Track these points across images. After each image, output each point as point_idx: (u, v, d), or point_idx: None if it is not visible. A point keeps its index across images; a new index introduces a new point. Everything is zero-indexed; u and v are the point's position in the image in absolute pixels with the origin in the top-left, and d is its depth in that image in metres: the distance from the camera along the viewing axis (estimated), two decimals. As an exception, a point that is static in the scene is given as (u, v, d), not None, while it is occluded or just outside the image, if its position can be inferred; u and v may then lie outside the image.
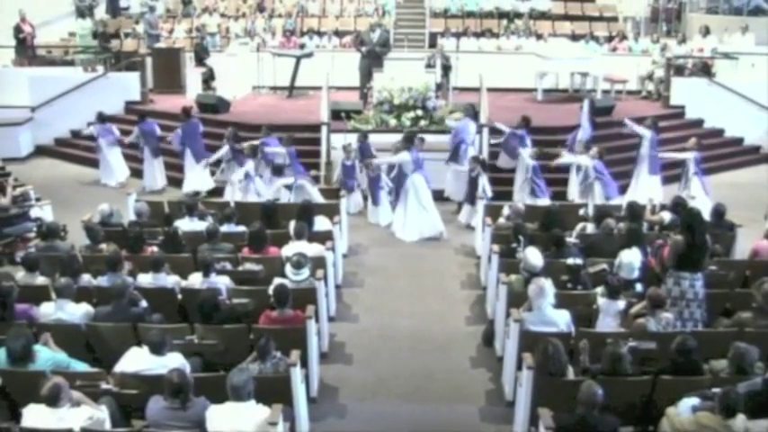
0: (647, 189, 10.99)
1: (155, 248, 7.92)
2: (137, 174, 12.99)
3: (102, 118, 13.04)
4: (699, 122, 14.73)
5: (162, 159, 12.77)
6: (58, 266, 7.12)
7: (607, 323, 6.55)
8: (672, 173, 11.51)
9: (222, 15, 19.41)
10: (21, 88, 15.05)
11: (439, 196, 11.27)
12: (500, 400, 6.66)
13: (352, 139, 11.65)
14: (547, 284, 6.32)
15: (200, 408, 5.03)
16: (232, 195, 10.91)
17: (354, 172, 11.33)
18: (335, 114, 12.62)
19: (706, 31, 16.93)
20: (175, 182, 12.64)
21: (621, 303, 6.57)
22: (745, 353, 5.38)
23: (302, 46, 17.20)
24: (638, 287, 6.91)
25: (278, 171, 10.75)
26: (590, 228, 8.48)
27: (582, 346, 5.85)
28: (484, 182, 10.45)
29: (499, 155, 11.87)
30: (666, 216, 8.46)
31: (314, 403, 6.51)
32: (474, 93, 13.11)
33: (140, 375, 5.48)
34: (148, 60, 15.70)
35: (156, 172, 12.69)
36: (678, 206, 8.60)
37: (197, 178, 12.19)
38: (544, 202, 10.38)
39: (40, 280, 7.10)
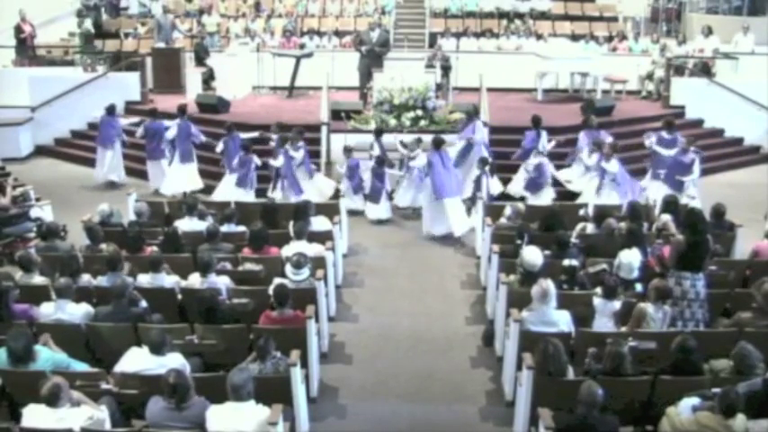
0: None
1: (154, 248, 7.92)
2: (135, 174, 12.96)
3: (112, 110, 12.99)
4: (699, 122, 14.73)
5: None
6: (57, 266, 7.11)
7: (603, 323, 6.55)
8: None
9: (222, 15, 19.41)
10: (21, 88, 15.06)
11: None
12: (500, 400, 6.66)
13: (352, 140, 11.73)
14: (551, 288, 6.31)
15: (200, 408, 5.03)
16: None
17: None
18: (335, 114, 12.62)
19: (708, 32, 16.93)
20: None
21: (617, 304, 6.57)
22: (748, 355, 5.37)
23: (302, 46, 17.20)
24: (638, 287, 6.91)
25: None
26: (590, 228, 8.48)
27: (590, 352, 5.85)
28: (488, 183, 10.56)
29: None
30: (664, 218, 8.44)
31: (314, 403, 6.50)
32: (474, 93, 13.12)
33: (140, 375, 5.48)
34: (148, 60, 15.71)
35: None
36: (670, 204, 8.60)
37: (178, 179, 12.07)
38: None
39: (39, 279, 7.09)
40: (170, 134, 11.91)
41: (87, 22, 17.52)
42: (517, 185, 11.45)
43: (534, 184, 11.07)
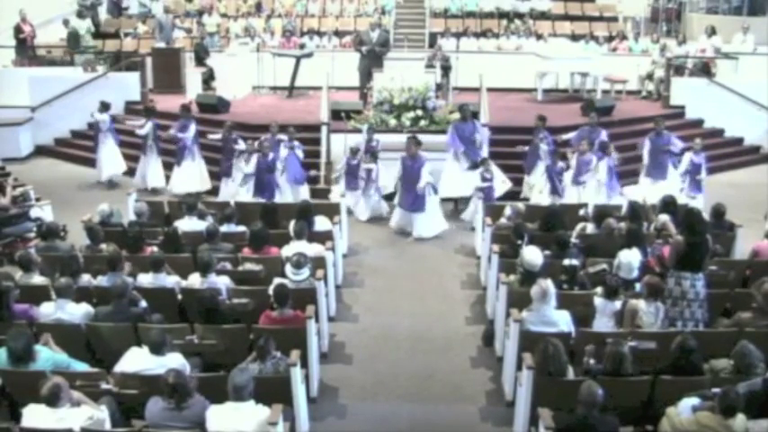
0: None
1: (155, 248, 7.92)
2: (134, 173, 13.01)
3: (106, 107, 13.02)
4: (699, 122, 14.74)
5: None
6: (57, 266, 7.11)
7: (603, 323, 6.56)
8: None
9: (222, 15, 19.41)
10: (21, 88, 15.06)
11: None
12: (500, 400, 6.66)
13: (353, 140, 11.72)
14: (550, 288, 6.31)
15: (200, 408, 5.03)
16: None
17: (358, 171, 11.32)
18: (335, 114, 12.62)
19: (712, 32, 16.90)
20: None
21: (618, 303, 6.58)
22: (748, 354, 5.38)
23: (302, 46, 17.20)
24: (638, 287, 6.90)
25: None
26: (590, 228, 8.48)
27: (588, 350, 5.85)
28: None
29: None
30: (663, 218, 8.43)
31: (314, 403, 6.51)
32: (474, 93, 13.12)
33: (140, 375, 5.48)
34: (148, 60, 15.71)
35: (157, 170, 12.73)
36: (668, 204, 8.60)
37: (191, 177, 12.16)
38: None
39: (38, 279, 7.09)
40: (190, 133, 11.96)
41: (74, 21, 17.45)
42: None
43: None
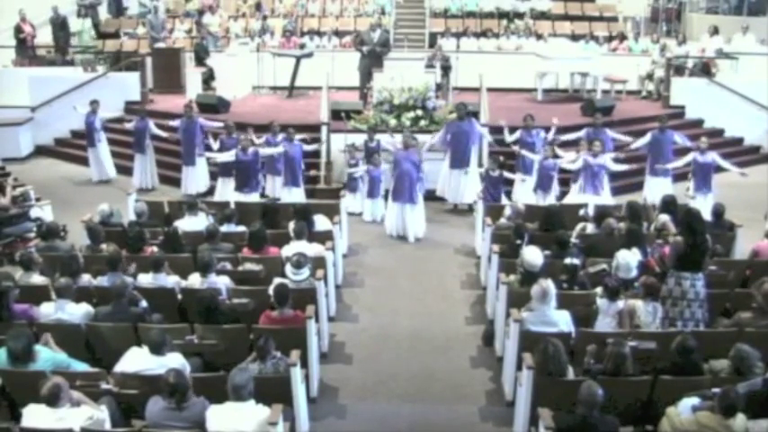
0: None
1: (155, 248, 7.92)
2: (126, 171, 13.06)
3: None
4: (699, 122, 14.74)
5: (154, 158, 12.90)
6: (57, 266, 7.11)
7: (606, 323, 6.56)
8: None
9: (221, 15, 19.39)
10: (21, 88, 15.06)
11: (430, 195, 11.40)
12: (500, 400, 6.66)
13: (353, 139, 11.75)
14: (551, 288, 6.31)
15: (200, 408, 5.03)
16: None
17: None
18: (335, 114, 12.63)
19: (714, 31, 16.88)
20: (170, 181, 12.77)
21: (621, 303, 6.58)
22: (746, 357, 5.37)
23: (302, 46, 17.19)
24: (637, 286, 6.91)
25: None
26: (590, 228, 8.48)
27: (589, 350, 5.85)
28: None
29: None
30: (663, 218, 8.43)
31: (314, 403, 6.51)
32: (474, 93, 13.12)
33: (140, 375, 5.48)
34: (148, 60, 15.71)
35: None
36: (669, 204, 8.60)
37: (194, 178, 12.25)
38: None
39: (39, 279, 7.09)
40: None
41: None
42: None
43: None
